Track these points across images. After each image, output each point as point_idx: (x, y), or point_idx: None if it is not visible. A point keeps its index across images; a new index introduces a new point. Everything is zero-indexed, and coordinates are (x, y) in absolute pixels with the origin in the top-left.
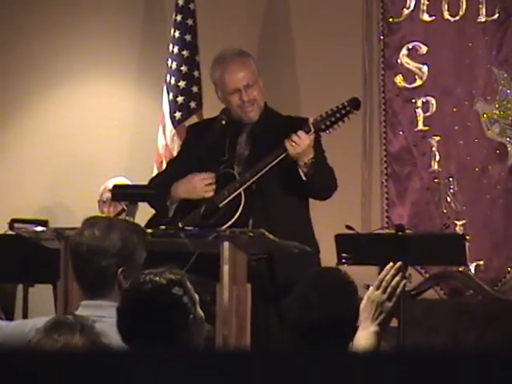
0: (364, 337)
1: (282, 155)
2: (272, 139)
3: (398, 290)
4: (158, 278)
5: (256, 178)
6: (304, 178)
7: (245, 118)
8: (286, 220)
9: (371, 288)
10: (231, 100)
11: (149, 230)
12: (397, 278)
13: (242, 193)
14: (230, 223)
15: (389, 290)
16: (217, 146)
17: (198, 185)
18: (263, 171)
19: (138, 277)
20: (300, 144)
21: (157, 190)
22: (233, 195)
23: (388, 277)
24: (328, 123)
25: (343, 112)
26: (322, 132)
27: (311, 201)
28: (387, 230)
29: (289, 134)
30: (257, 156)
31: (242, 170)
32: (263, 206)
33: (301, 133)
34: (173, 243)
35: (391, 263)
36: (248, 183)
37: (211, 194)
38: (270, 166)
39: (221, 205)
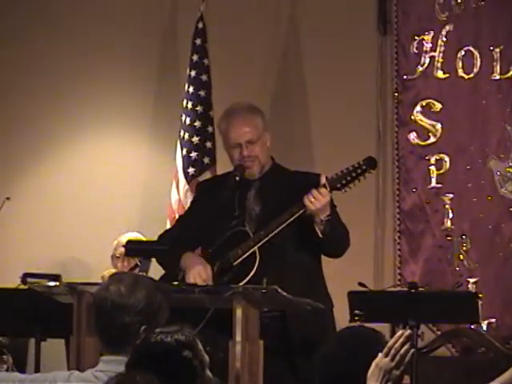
0: None
1: (300, 212)
2: (281, 195)
3: (406, 359)
4: (169, 339)
5: (271, 236)
6: (320, 236)
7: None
8: (299, 277)
9: (380, 355)
10: (232, 154)
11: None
12: (406, 347)
13: (257, 251)
14: (244, 281)
15: (397, 358)
16: (227, 202)
17: (194, 272)
18: (278, 229)
19: (150, 335)
20: (320, 200)
21: (170, 246)
22: (247, 253)
23: (397, 345)
24: (344, 182)
25: (359, 171)
26: (336, 190)
27: (324, 257)
28: (400, 288)
29: (300, 189)
30: (268, 213)
31: (255, 228)
32: (276, 263)
33: (323, 190)
34: (188, 299)
35: (401, 331)
36: (262, 241)
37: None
38: (285, 223)
39: (235, 263)
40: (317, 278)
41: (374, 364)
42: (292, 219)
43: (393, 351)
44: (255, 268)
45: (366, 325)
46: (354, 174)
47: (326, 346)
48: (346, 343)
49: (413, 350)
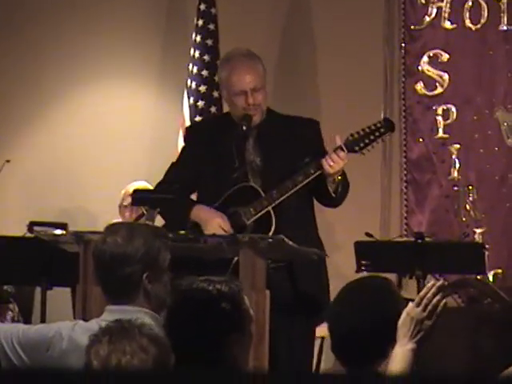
0: (401, 353)
1: (315, 174)
2: (280, 145)
3: (439, 309)
4: (211, 288)
5: (285, 196)
6: (333, 195)
7: None
8: (303, 229)
9: (411, 304)
10: (236, 101)
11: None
12: (438, 297)
13: (271, 211)
14: None
15: (429, 308)
16: (227, 151)
17: (214, 224)
18: (293, 190)
19: (193, 281)
20: (339, 164)
21: (177, 196)
22: (260, 213)
23: (429, 295)
24: (362, 145)
25: (377, 134)
26: (354, 153)
27: (330, 209)
28: (406, 238)
29: (297, 136)
30: (269, 166)
31: (260, 182)
32: (284, 219)
33: (341, 154)
34: (203, 249)
35: (433, 281)
36: (277, 202)
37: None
38: (300, 185)
39: (248, 222)
40: (314, 228)
41: (404, 313)
42: (308, 180)
43: (425, 301)
44: (273, 228)
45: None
46: (372, 137)
47: (337, 300)
48: (358, 296)
49: (444, 300)
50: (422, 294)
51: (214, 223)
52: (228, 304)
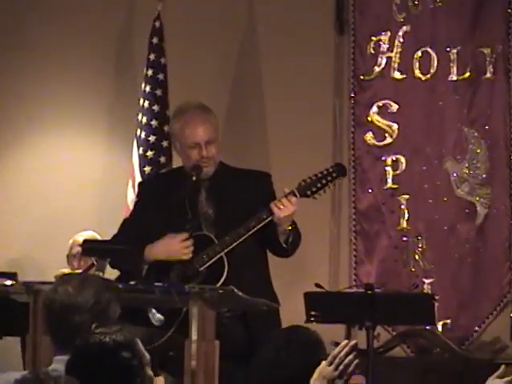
0: None
1: (268, 219)
2: (232, 196)
3: (350, 369)
4: (107, 340)
5: (238, 242)
6: (284, 245)
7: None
8: (256, 278)
9: (323, 363)
10: (190, 154)
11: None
12: (350, 357)
13: (224, 257)
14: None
15: (341, 367)
16: (179, 203)
17: (177, 246)
18: (246, 235)
19: (88, 335)
20: (290, 208)
21: (128, 246)
22: (213, 259)
23: (342, 354)
24: (314, 189)
25: (329, 178)
26: (305, 197)
27: (279, 258)
28: (356, 289)
29: (249, 189)
30: (223, 217)
31: (215, 232)
32: (238, 267)
33: (292, 198)
34: (159, 299)
35: (346, 341)
36: (230, 247)
37: (189, 256)
38: (253, 230)
39: (201, 269)
40: (266, 279)
41: (317, 372)
42: (260, 226)
43: (337, 360)
44: (225, 274)
45: (322, 326)
46: (324, 181)
47: (265, 350)
48: (285, 348)
49: (356, 361)
50: (334, 352)
51: (175, 245)
52: (128, 352)
